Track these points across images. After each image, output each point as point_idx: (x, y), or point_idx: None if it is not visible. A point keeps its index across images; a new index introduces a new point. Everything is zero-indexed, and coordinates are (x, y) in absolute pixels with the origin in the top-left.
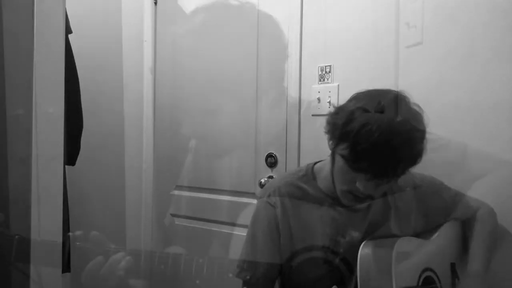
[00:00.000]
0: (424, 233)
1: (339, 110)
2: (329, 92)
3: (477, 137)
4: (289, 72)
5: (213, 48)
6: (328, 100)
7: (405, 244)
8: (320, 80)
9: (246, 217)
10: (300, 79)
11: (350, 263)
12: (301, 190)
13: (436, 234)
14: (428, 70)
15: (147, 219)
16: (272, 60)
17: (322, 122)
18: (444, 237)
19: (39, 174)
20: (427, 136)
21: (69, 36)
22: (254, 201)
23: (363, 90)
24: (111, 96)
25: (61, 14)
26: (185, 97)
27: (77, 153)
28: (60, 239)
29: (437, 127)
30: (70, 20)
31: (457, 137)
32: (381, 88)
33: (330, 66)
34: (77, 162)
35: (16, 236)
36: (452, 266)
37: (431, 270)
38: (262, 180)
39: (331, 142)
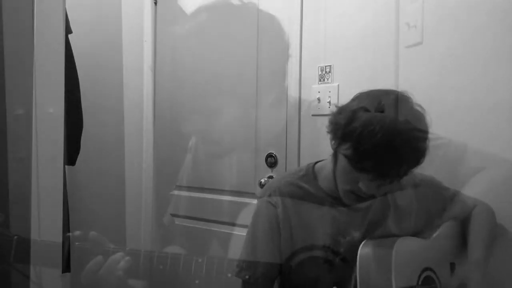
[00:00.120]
0: (423, 232)
1: (341, 110)
2: (329, 92)
3: (477, 137)
4: (289, 72)
5: (214, 47)
6: (328, 100)
7: (405, 243)
8: (320, 80)
9: (246, 217)
10: (300, 79)
11: (350, 263)
12: (302, 190)
13: (435, 234)
14: (428, 70)
15: (147, 219)
16: (273, 60)
17: (322, 122)
18: (443, 236)
19: (39, 174)
20: (425, 136)
21: (69, 36)
22: (254, 201)
23: (365, 90)
24: (111, 96)
25: (61, 14)
26: (185, 97)
27: (77, 153)
28: (60, 239)
29: (437, 127)
30: (70, 20)
31: (457, 137)
32: (384, 88)
33: (330, 66)
34: (77, 162)
35: (15, 237)
36: (452, 266)
37: (431, 270)
38: (262, 180)
39: (333, 142)
